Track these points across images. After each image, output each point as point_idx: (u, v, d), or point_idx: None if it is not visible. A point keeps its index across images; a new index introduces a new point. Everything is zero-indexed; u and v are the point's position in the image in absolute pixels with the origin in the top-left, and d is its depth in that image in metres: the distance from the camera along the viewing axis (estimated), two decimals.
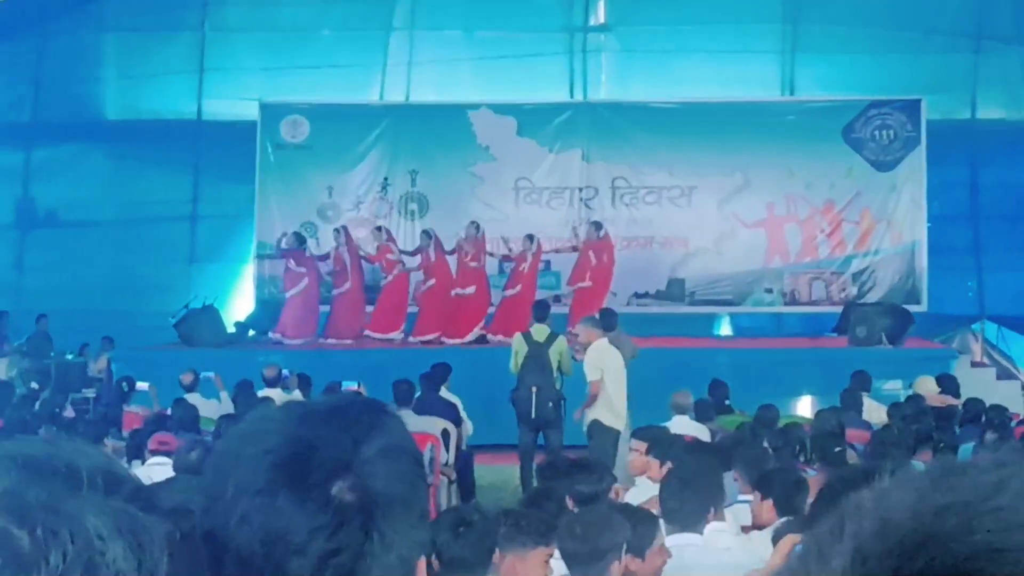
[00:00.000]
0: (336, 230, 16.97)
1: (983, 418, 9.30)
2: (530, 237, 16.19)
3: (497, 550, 4.14)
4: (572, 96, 18.94)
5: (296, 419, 1.28)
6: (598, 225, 16.50)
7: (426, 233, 16.46)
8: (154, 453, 7.57)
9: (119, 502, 0.99)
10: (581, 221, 17.52)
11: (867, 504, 0.68)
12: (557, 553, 4.80)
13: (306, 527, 1.19)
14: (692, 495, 5.13)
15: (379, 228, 16.93)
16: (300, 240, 16.79)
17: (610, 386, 10.81)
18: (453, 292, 15.91)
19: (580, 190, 18.07)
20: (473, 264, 16.02)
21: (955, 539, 0.63)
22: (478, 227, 16.30)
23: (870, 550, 0.65)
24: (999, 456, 0.69)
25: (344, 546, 1.20)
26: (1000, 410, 9.39)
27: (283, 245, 16.90)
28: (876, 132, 17.64)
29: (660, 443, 7.15)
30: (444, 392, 11.53)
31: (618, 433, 10.75)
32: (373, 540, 1.21)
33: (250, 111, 18.46)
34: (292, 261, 16.60)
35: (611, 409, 10.81)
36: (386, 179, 18.34)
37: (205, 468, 1.31)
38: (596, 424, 10.79)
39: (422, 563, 1.28)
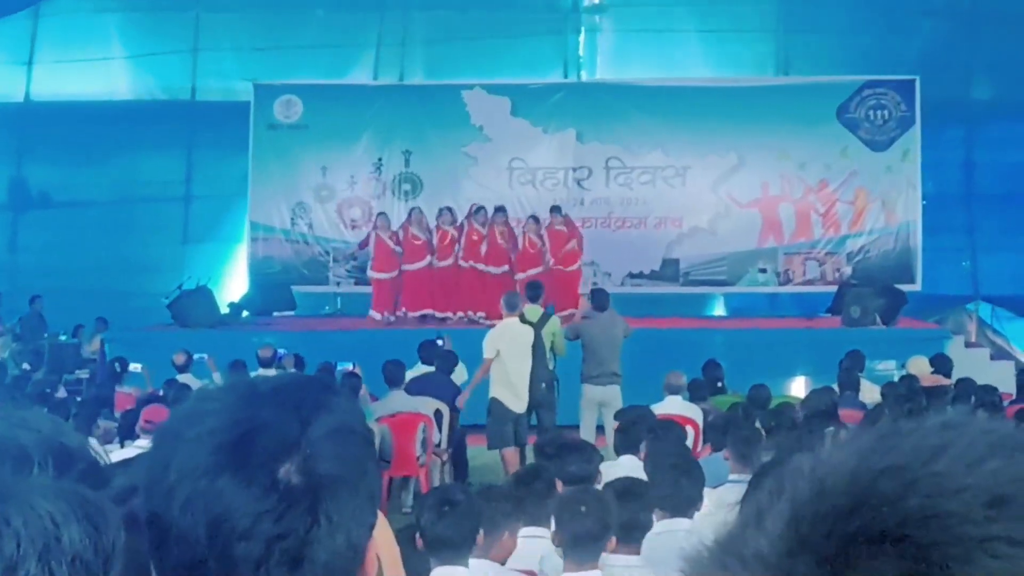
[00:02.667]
0: (416, 209, 16.56)
1: (973, 398, 9.29)
2: (535, 218, 16.15)
3: (481, 531, 4.14)
4: (566, 76, 18.92)
5: (240, 399, 1.23)
6: (558, 209, 16.30)
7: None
8: (145, 431, 7.55)
9: (71, 483, 0.97)
10: (575, 202, 17.49)
11: (806, 466, 0.67)
12: (527, 532, 4.80)
13: (252, 511, 1.15)
14: (688, 481, 5.15)
15: (448, 208, 16.35)
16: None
17: (510, 365, 10.64)
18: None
19: (574, 170, 18.06)
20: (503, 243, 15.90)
21: (890, 503, 0.62)
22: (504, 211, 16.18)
23: (805, 512, 0.64)
24: (947, 419, 0.68)
25: (291, 530, 1.16)
26: (990, 390, 9.39)
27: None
28: (870, 112, 17.61)
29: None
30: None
31: (517, 415, 10.68)
32: (320, 524, 1.17)
33: (244, 91, 18.43)
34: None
35: (511, 389, 10.67)
36: (380, 159, 18.32)
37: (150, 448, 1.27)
38: (494, 402, 10.68)
39: (372, 544, 1.25)
